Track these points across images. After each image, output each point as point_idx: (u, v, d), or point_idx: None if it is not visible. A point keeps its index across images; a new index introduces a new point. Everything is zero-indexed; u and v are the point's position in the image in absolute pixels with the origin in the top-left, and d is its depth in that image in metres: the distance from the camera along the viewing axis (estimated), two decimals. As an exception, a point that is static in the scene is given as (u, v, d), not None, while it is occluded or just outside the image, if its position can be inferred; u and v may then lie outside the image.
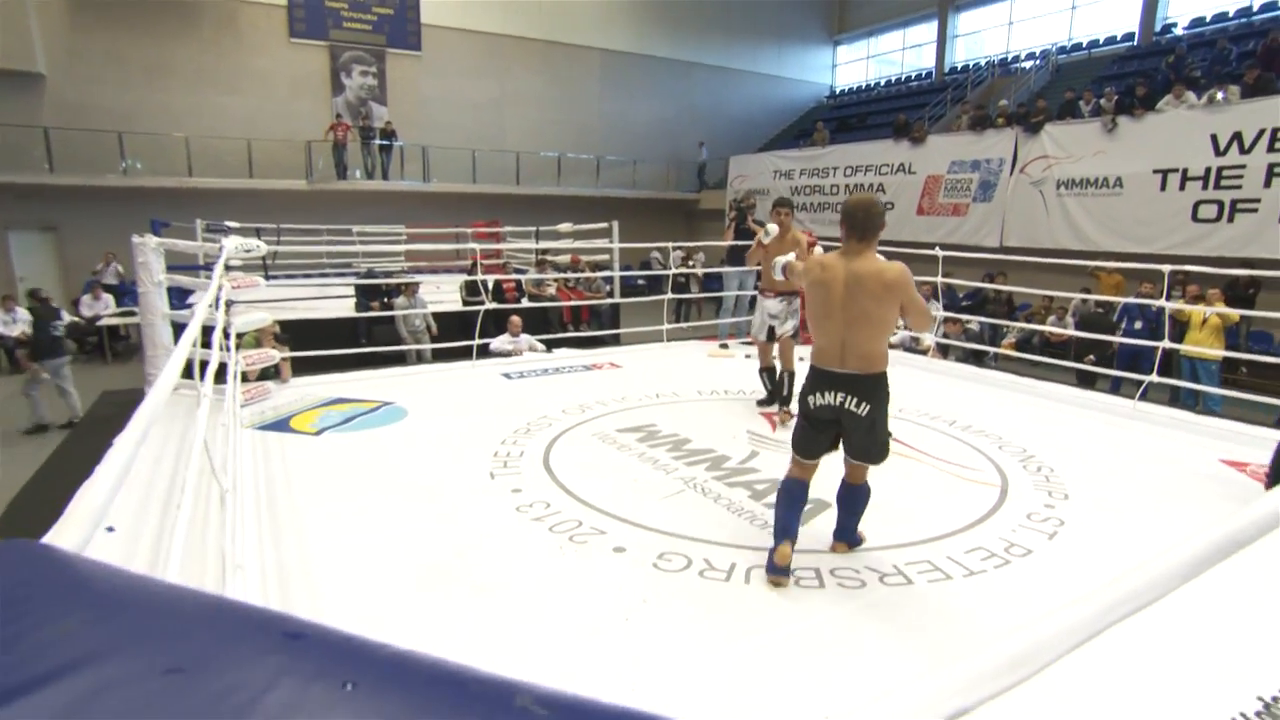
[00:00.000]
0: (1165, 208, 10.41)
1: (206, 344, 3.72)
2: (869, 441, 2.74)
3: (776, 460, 4.19)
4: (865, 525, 3.31)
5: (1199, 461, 4.43)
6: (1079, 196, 11.55)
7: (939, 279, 7.35)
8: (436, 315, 8.57)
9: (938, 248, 7.40)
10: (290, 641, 0.38)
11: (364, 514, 3.33)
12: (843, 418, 2.73)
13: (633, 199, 20.29)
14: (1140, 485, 4.00)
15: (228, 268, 5.12)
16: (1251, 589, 2.78)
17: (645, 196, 20.67)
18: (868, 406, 2.69)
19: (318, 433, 4.49)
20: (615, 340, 9.04)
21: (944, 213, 13.76)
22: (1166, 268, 5.55)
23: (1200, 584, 0.83)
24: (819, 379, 2.74)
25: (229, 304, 4.34)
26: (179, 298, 7.46)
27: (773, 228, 4.72)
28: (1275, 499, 0.96)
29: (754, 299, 5.15)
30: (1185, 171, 10.20)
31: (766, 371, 5.16)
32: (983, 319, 9.01)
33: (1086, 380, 7.82)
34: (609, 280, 10.52)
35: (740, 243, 7.79)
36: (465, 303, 8.84)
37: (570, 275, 10.27)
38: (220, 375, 4.10)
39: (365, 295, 8.98)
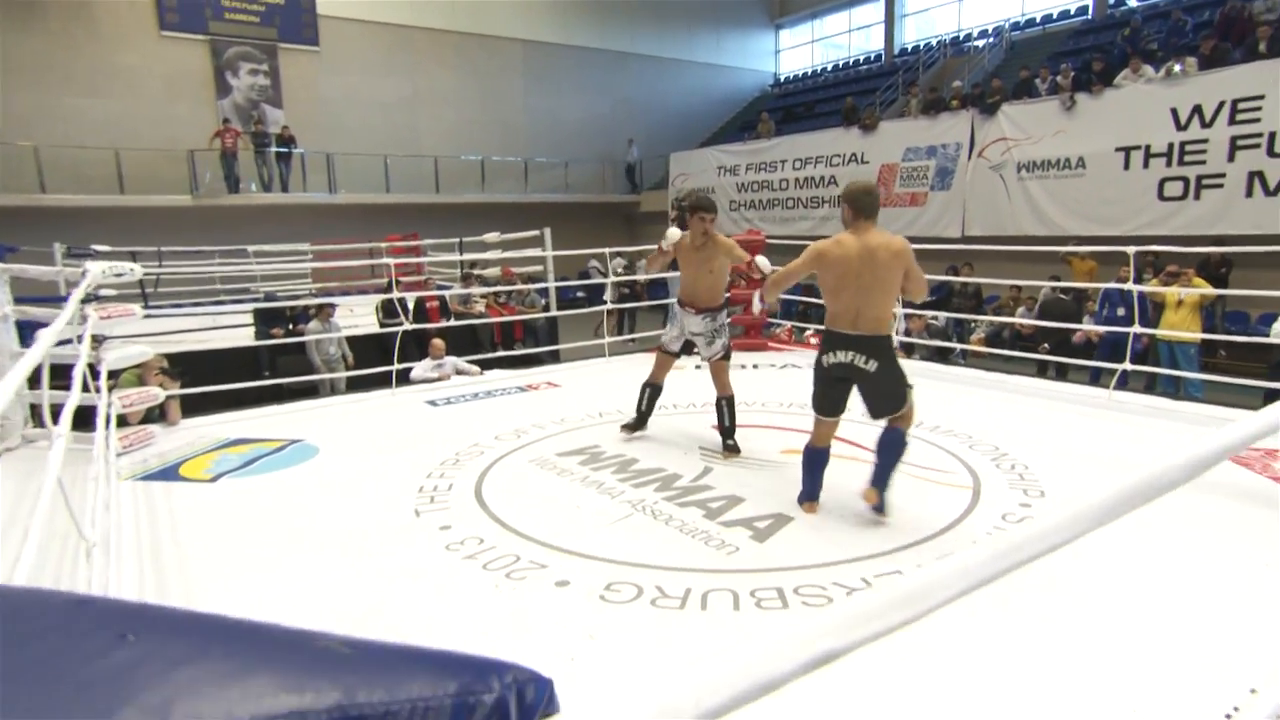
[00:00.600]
0: (1130, 187, 10.93)
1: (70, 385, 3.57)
2: (880, 396, 3.47)
3: (731, 476, 4.23)
4: (831, 537, 3.37)
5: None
6: (1041, 179, 12.04)
7: None
8: (350, 340, 8.43)
9: (896, 240, 7.61)
10: (75, 606, 0.39)
11: (267, 567, 3.23)
12: (852, 374, 3.47)
13: (566, 204, 20.39)
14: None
15: (95, 296, 4.93)
16: (1162, 535, 2.91)
17: (580, 201, 20.79)
18: (875, 364, 3.43)
19: (213, 479, 4.35)
20: (553, 358, 9.03)
21: (901, 203, 14.19)
22: (1132, 249, 5.82)
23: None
24: (834, 340, 3.48)
25: (98, 338, 4.18)
26: (35, 332, 7.15)
27: (673, 232, 4.59)
28: (1204, 445, 1.02)
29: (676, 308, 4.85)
30: (1148, 148, 10.73)
31: (650, 387, 4.88)
32: (948, 314, 9.28)
33: (1059, 372, 8.12)
34: (543, 293, 10.51)
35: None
36: (382, 325, 8.71)
37: (500, 289, 10.23)
38: (91, 420, 3.95)
39: (266, 322, 8.78)
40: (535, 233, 9.96)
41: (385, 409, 6.06)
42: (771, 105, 22.01)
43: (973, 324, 11.15)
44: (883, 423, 3.54)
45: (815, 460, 3.67)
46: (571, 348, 9.03)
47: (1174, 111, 10.48)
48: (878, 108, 16.47)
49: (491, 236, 11.31)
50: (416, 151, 18.80)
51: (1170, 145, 10.50)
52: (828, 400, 3.56)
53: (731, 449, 4.57)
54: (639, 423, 4.93)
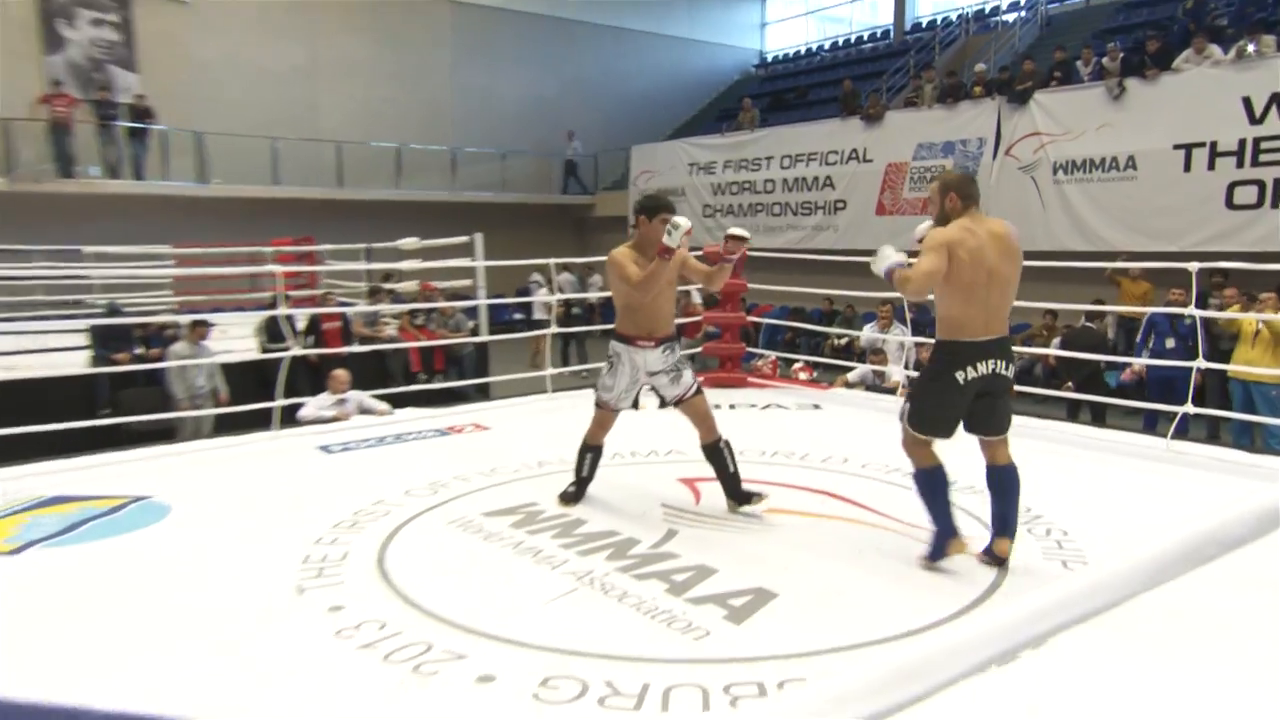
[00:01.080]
0: (1192, 192, 11.30)
1: None
2: (1009, 408, 3.88)
3: (701, 541, 4.23)
4: (824, 616, 3.38)
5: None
6: (1082, 183, 12.42)
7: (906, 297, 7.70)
8: (224, 368, 8.30)
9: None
10: None
11: (88, 668, 3.10)
12: (996, 386, 3.81)
13: (503, 205, 20.50)
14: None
15: None
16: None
17: (520, 201, 20.93)
18: (1013, 368, 3.86)
19: (16, 550, 4.20)
20: (482, 393, 8.99)
21: (911, 211, 14.51)
22: (1194, 265, 5.98)
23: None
24: (970, 351, 3.76)
25: None
26: None
27: (683, 221, 4.38)
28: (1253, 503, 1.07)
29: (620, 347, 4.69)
30: (1214, 145, 11.11)
31: (591, 452, 4.84)
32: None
33: (1095, 416, 8.29)
34: (472, 314, 10.49)
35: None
36: (265, 349, 8.59)
37: (418, 308, 10.18)
38: None
39: (107, 343, 8.59)
40: (464, 239, 9.97)
41: (264, 456, 5.96)
42: (756, 90, 22.45)
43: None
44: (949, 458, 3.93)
45: (939, 484, 3.88)
46: (505, 381, 9.00)
47: (1247, 101, 10.85)
48: (884, 95, 16.90)
49: (408, 243, 11.28)
50: (314, 135, 18.74)
51: (1242, 142, 10.87)
52: (952, 421, 3.83)
53: (748, 498, 4.65)
54: (578, 493, 4.86)
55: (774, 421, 6.92)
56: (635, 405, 4.82)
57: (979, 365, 3.75)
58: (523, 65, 21.93)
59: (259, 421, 6.65)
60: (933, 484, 3.88)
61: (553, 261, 8.43)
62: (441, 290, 11.08)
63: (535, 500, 4.88)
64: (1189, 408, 5.87)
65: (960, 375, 3.74)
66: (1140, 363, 8.04)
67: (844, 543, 4.27)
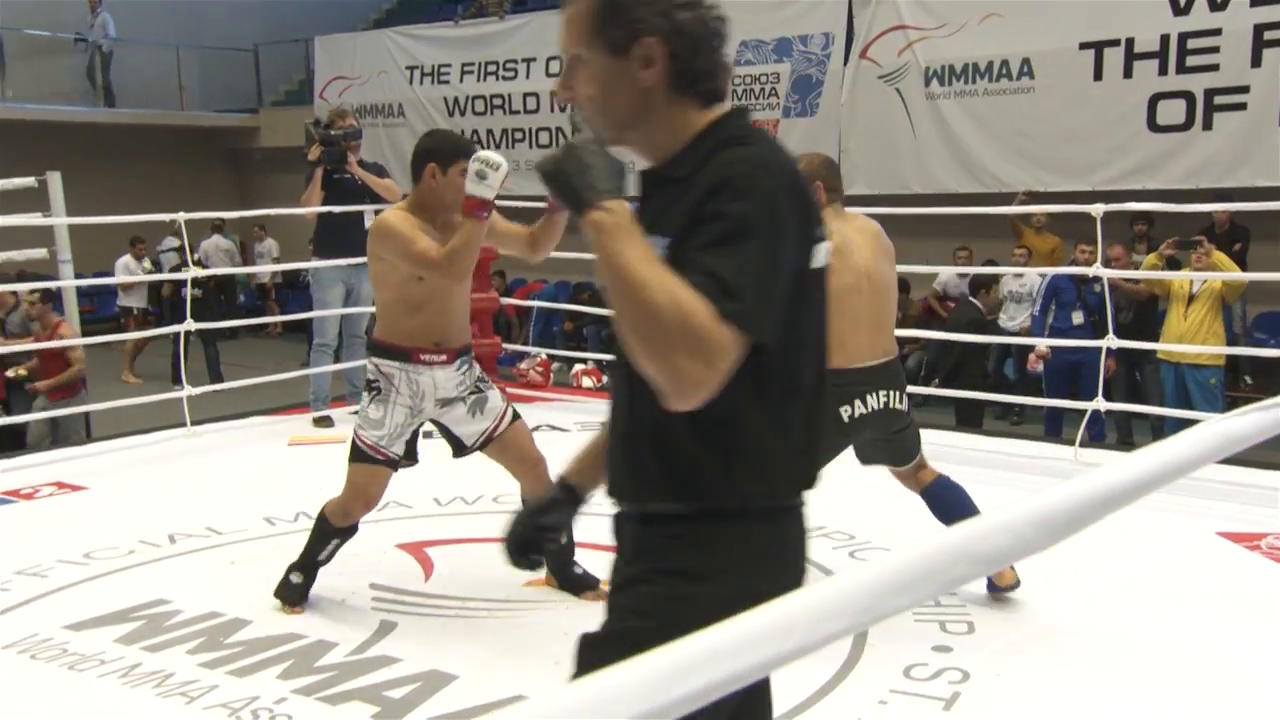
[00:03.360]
0: (1105, 108, 12.15)
1: None
2: (907, 440, 4.53)
3: (431, 633, 4.27)
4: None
5: (1185, 539, 5.13)
6: (963, 96, 13.14)
7: None
8: None
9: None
10: None
11: None
12: (886, 423, 4.40)
13: (102, 125, 19.53)
14: (1088, 594, 4.54)
15: None
16: None
17: (133, 121, 20.01)
18: (905, 397, 4.41)
19: None
20: (79, 432, 8.56)
21: (741, 138, 14.91)
22: (1099, 208, 6.45)
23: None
24: (856, 380, 4.21)
25: None
26: None
27: (493, 158, 4.25)
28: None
29: (369, 346, 4.65)
30: (1130, 44, 11.98)
31: (338, 536, 4.62)
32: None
33: (973, 416, 8.81)
34: (50, 300, 9.92)
35: (339, 209, 7.90)
36: None
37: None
38: None
39: None
40: (27, 181, 9.37)
41: None
42: (504, -46, 22.51)
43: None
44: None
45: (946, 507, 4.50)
46: (115, 409, 8.57)
47: (1170, -18, 11.74)
48: (690, -34, 17.31)
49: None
50: None
51: (1164, 39, 11.75)
52: (879, 450, 4.54)
53: (584, 584, 4.70)
54: (306, 584, 4.64)
55: (547, 450, 6.84)
56: (412, 456, 4.65)
57: (868, 397, 4.27)
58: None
59: None
60: (940, 501, 4.57)
61: (182, 217, 8.10)
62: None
63: (164, 594, 4.73)
64: (1100, 403, 6.34)
65: (847, 411, 4.23)
66: (1044, 344, 8.53)
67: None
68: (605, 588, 4.44)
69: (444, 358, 4.51)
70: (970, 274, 10.59)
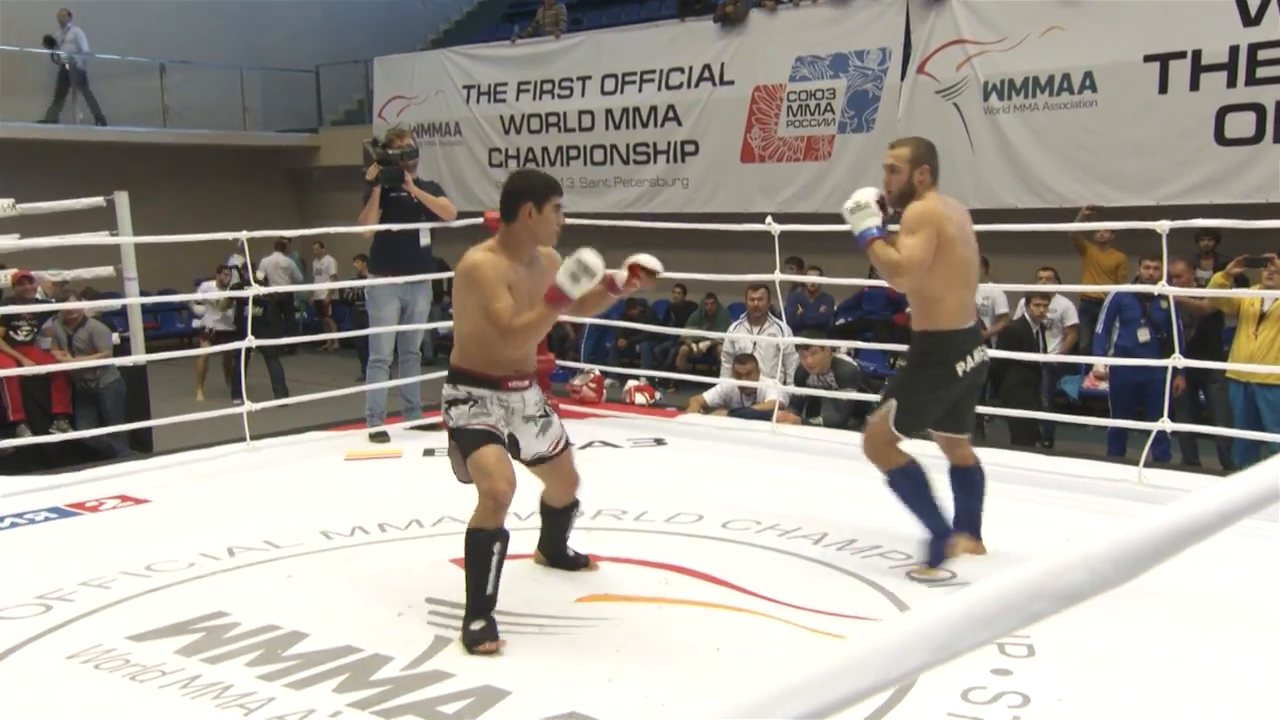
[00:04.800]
0: (1171, 123, 12.03)
1: None
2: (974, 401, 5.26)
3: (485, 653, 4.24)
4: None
5: (1261, 564, 5.02)
6: (1023, 111, 13.06)
7: (777, 275, 8.00)
8: None
9: (770, 219, 7.91)
10: None
11: None
12: (979, 377, 5.08)
13: (164, 146, 19.78)
14: (1151, 620, 4.44)
15: None
16: None
17: (194, 141, 20.23)
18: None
19: None
20: (138, 446, 8.64)
21: (790, 156, 14.92)
22: (1164, 225, 6.35)
23: None
24: (967, 339, 4.92)
25: None
26: None
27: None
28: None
29: (450, 374, 4.58)
30: (1197, 56, 11.83)
31: (498, 540, 4.42)
32: (871, 345, 9.76)
33: (1044, 437, 8.68)
34: (118, 321, 10.04)
35: (396, 227, 7.94)
36: None
37: (16, 312, 9.67)
38: None
39: None
40: (96, 201, 9.49)
41: None
42: (563, -24, 22.57)
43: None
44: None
45: (922, 479, 4.91)
46: (175, 425, 8.64)
47: (1240, -5, 11.59)
48: (748, -15, 17.28)
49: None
50: None
51: (1234, 51, 11.59)
52: (952, 416, 5.05)
53: (577, 562, 5.16)
54: (491, 626, 4.35)
55: (599, 465, 6.94)
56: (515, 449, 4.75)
57: (975, 353, 4.91)
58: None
59: None
60: (916, 481, 4.89)
61: (245, 235, 8.16)
62: (57, 283, 10.57)
63: (223, 607, 4.74)
64: (1166, 423, 6.23)
65: (960, 366, 4.84)
66: (1104, 362, 8.43)
67: (696, 638, 4.31)
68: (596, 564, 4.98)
69: (527, 382, 4.68)
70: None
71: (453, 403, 4.55)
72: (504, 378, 4.58)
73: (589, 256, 4.25)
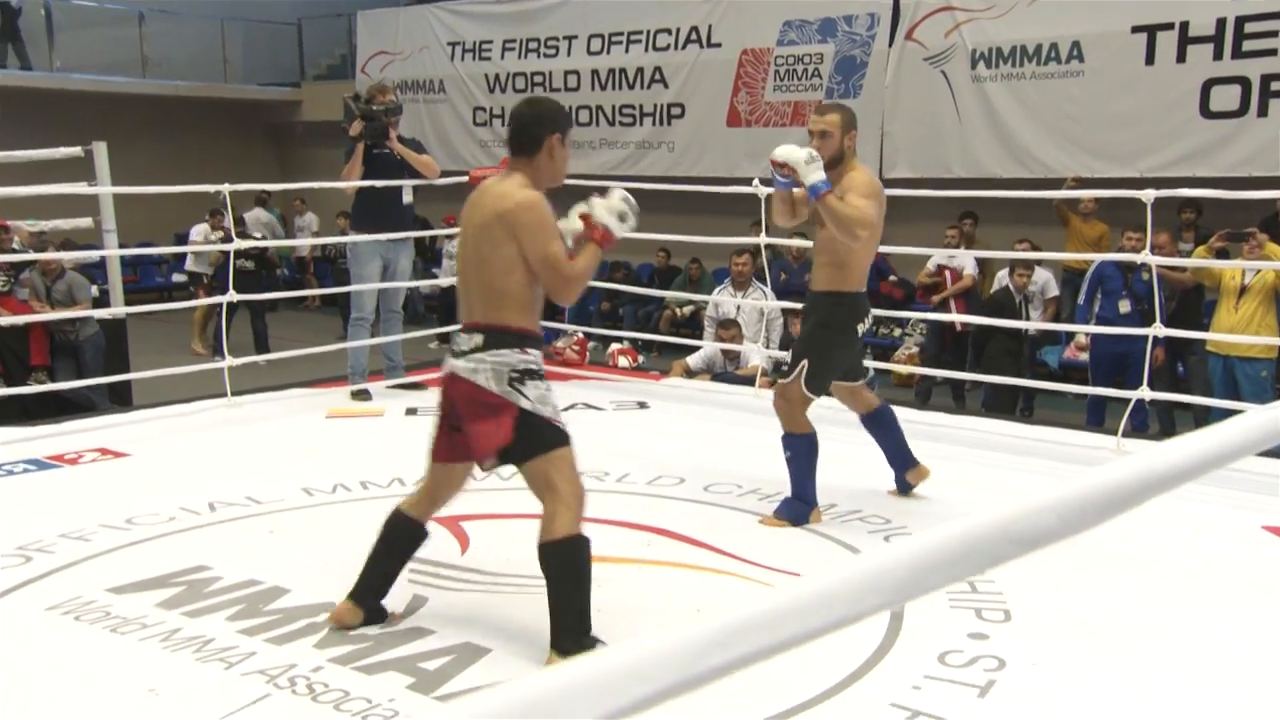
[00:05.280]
0: (1156, 94, 12.04)
1: None
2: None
3: (465, 607, 4.30)
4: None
5: (1228, 534, 5.09)
6: (1010, 80, 13.05)
7: (763, 239, 8.19)
8: None
9: (757, 182, 8.01)
10: None
11: None
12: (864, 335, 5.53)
13: (145, 97, 19.61)
14: (1129, 585, 4.51)
15: None
16: None
17: (174, 93, 20.07)
18: None
19: None
20: (117, 399, 8.68)
21: (776, 121, 14.87)
22: (1150, 194, 6.39)
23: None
24: (866, 301, 5.36)
25: None
26: None
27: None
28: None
29: (456, 334, 4.14)
30: (1185, 28, 11.82)
31: (589, 546, 4.04)
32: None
33: (1023, 406, 8.74)
34: (98, 271, 9.98)
35: (379, 184, 7.91)
36: None
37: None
38: None
39: None
40: (75, 151, 9.41)
41: None
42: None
43: (897, 330, 11.73)
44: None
45: (815, 450, 5.23)
46: (154, 379, 8.63)
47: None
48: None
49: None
50: None
51: (1220, 23, 11.58)
52: (851, 369, 5.46)
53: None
54: (592, 638, 3.93)
55: (582, 428, 6.87)
56: None
57: (868, 316, 5.31)
58: None
59: None
60: (811, 449, 5.19)
61: (227, 189, 8.12)
62: (37, 235, 10.50)
63: (202, 562, 4.76)
64: (1145, 392, 6.27)
65: (860, 327, 5.27)
66: (1085, 331, 8.48)
67: (676, 599, 4.36)
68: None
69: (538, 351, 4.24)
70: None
71: (526, 374, 3.99)
72: (536, 333, 4.18)
73: (628, 195, 4.13)
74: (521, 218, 3.91)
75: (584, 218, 4.07)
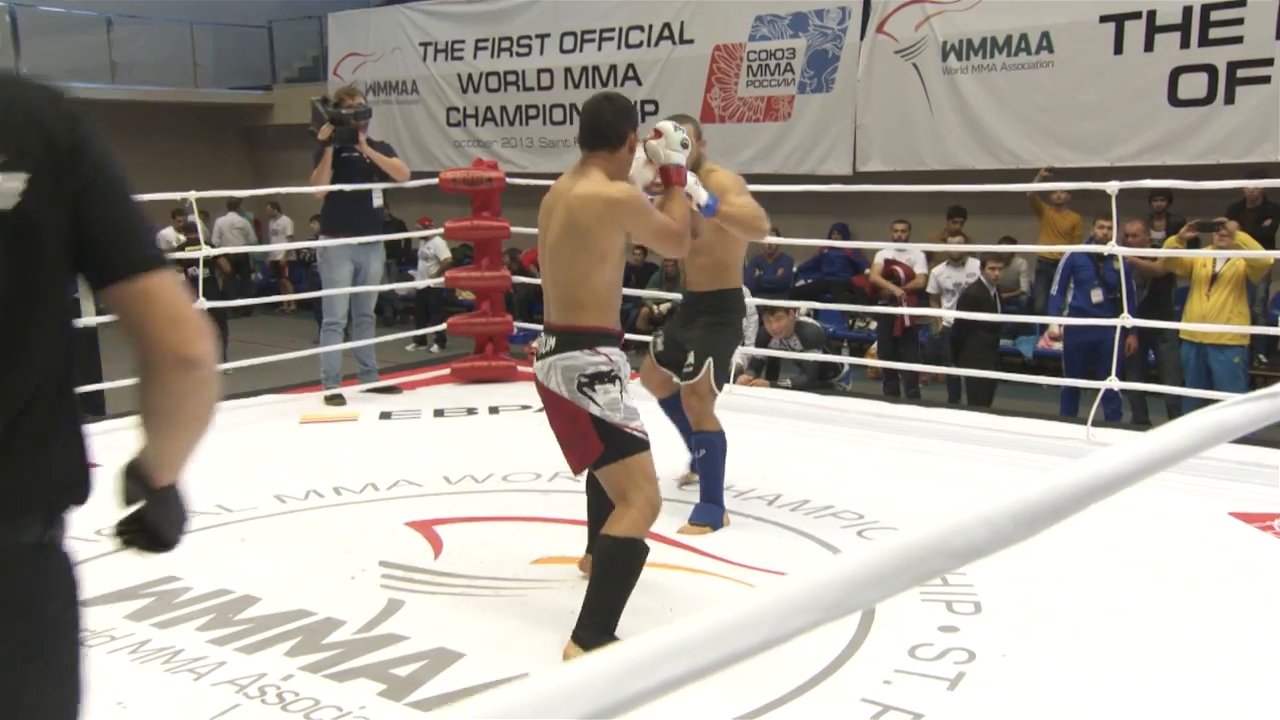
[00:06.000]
0: (1125, 83, 12.08)
1: None
2: None
3: (439, 612, 4.28)
4: None
5: (1196, 519, 5.13)
6: (981, 71, 13.07)
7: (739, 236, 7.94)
8: None
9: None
10: None
11: None
12: None
13: (114, 103, 19.43)
14: (1098, 575, 4.54)
15: None
16: None
17: (144, 99, 19.91)
18: None
19: None
20: (91, 408, 8.53)
21: (750, 116, 14.92)
22: (1114, 185, 6.43)
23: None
24: (744, 296, 5.61)
25: None
26: None
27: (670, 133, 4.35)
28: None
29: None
30: (1152, 16, 11.85)
31: (644, 554, 4.09)
32: (829, 306, 9.81)
33: (988, 397, 8.78)
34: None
35: (348, 188, 7.89)
36: None
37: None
38: None
39: None
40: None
41: None
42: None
43: (873, 323, 11.73)
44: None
45: (725, 451, 5.33)
46: (126, 388, 8.56)
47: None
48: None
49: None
50: None
51: (1187, 11, 11.62)
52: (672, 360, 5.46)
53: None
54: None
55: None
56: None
57: (746, 310, 5.70)
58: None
59: None
60: (724, 447, 5.30)
61: (194, 195, 8.10)
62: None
63: (172, 572, 4.72)
64: (1113, 382, 6.31)
65: (745, 321, 5.47)
66: (1058, 322, 8.51)
67: (649, 599, 4.36)
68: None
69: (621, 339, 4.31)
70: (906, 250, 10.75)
71: (598, 378, 3.99)
72: (620, 333, 4.24)
73: (667, 126, 4.38)
74: (629, 207, 4.04)
75: (662, 170, 4.35)
